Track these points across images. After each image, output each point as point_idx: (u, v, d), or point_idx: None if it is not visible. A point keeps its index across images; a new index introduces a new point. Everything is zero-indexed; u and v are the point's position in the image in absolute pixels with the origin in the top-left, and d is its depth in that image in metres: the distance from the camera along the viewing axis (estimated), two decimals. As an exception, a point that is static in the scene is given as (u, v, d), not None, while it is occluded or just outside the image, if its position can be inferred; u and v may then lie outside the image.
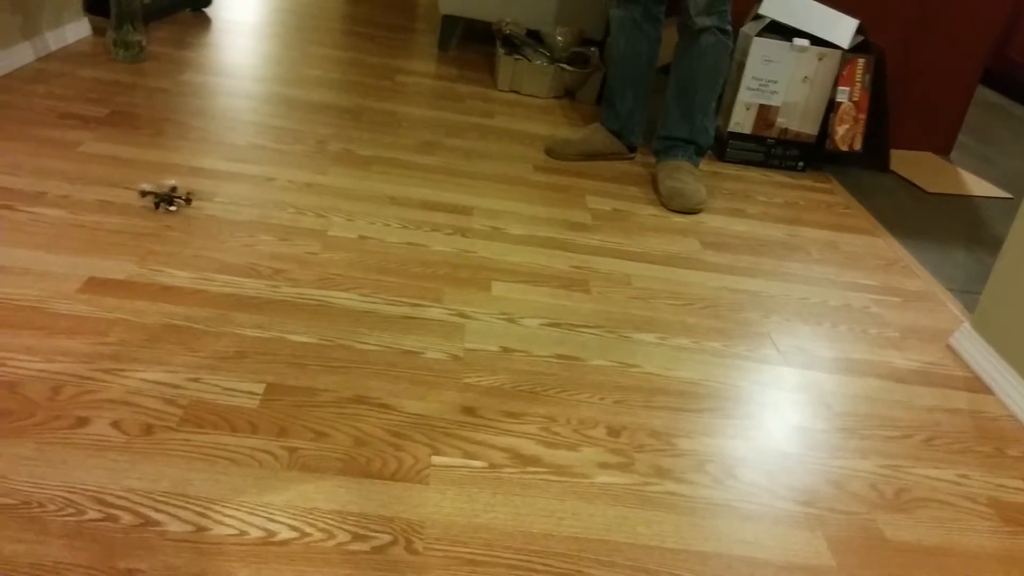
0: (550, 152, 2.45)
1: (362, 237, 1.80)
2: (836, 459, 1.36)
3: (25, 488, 1.04)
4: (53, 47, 2.57)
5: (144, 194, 1.77)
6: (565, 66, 2.97)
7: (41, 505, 1.02)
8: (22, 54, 2.40)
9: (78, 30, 2.72)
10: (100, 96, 2.30)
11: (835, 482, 1.31)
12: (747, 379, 1.54)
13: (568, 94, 3.04)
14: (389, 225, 1.88)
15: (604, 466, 1.26)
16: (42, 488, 1.05)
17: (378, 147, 2.30)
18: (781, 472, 1.31)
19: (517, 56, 2.97)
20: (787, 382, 1.55)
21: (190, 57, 2.76)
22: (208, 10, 3.36)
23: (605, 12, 3.16)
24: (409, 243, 1.81)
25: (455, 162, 2.29)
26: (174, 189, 1.80)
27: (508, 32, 3.06)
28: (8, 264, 1.49)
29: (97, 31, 2.80)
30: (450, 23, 3.33)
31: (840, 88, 2.57)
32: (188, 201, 1.78)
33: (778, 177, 2.61)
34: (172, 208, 1.75)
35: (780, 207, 2.37)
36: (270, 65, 2.82)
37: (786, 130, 2.61)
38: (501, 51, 2.97)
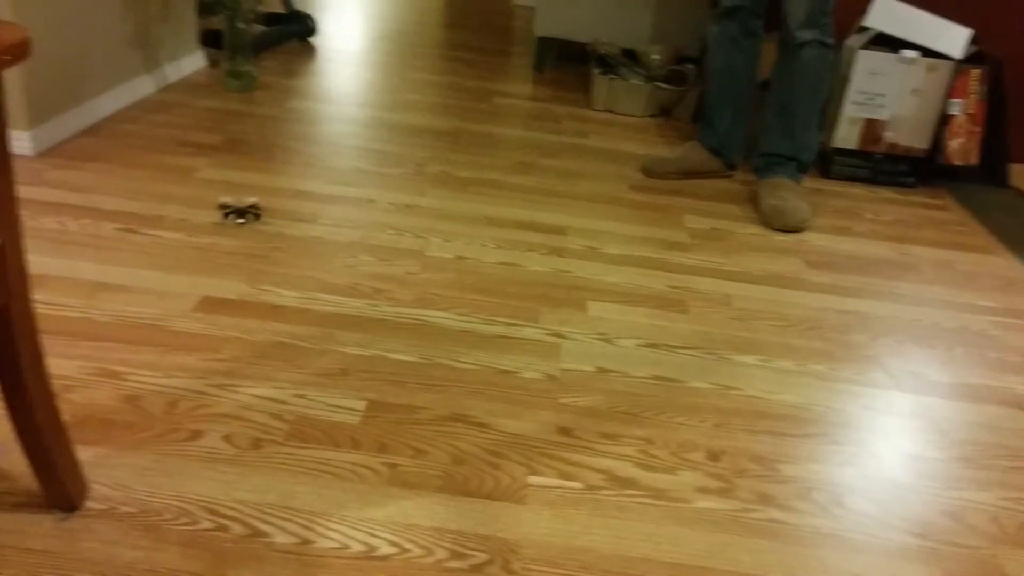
0: (646, 171, 2.43)
1: (459, 257, 1.83)
2: (953, 490, 1.29)
3: (144, 497, 1.10)
4: (172, 79, 2.72)
5: (223, 207, 1.87)
6: (661, 84, 2.95)
7: (158, 514, 1.07)
8: (144, 86, 2.56)
9: (194, 62, 2.87)
10: (215, 124, 2.42)
11: (952, 514, 1.24)
12: (855, 404, 1.48)
13: (664, 112, 3.01)
14: (486, 245, 1.90)
15: (704, 491, 1.23)
16: (159, 498, 1.10)
17: (475, 168, 2.33)
18: (893, 502, 1.25)
19: (612, 75, 2.97)
20: (898, 407, 1.49)
21: (297, 85, 2.88)
22: (314, 40, 3.49)
23: (702, 29, 3.13)
24: (505, 263, 1.83)
25: (551, 182, 2.30)
26: (253, 206, 1.89)
27: (603, 52, 3.07)
28: (131, 284, 1.58)
29: (211, 63, 2.95)
30: (545, 45, 3.36)
31: (953, 100, 2.46)
32: (257, 216, 1.87)
33: (887, 194, 2.51)
34: (241, 221, 1.84)
35: (889, 225, 2.28)
36: (372, 91, 2.91)
37: (895, 145, 2.52)
38: (596, 71, 2.98)
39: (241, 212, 1.85)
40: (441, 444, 1.26)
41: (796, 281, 1.90)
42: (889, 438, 1.40)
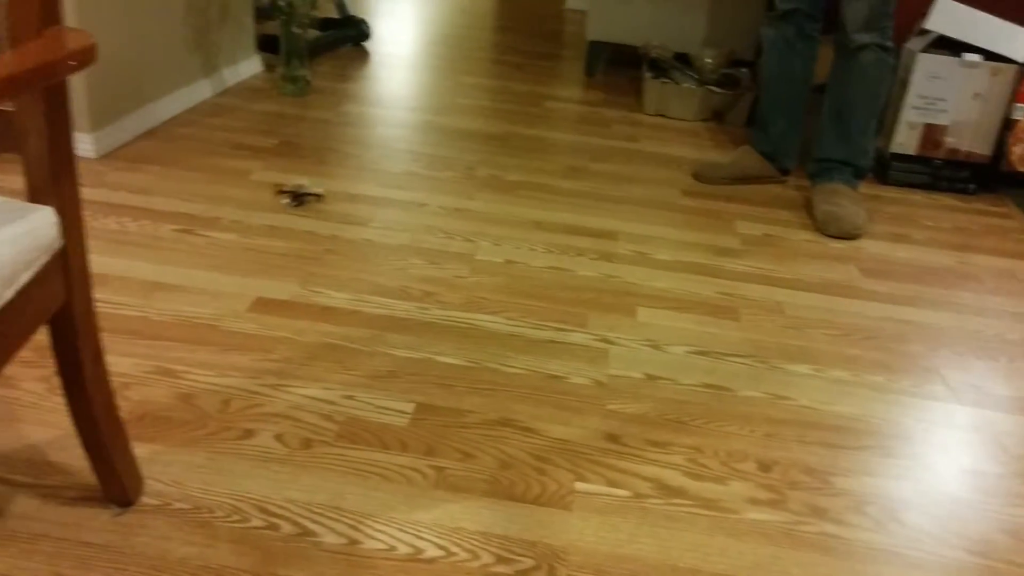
0: (698, 176, 2.41)
1: (508, 261, 1.83)
2: (1015, 507, 1.25)
3: (197, 494, 1.12)
4: (229, 83, 2.77)
5: (294, 188, 1.98)
6: (714, 88, 2.92)
7: (211, 511, 1.09)
8: (202, 90, 2.61)
9: (251, 67, 2.92)
10: (269, 127, 2.46)
11: (1013, 532, 1.20)
12: (912, 416, 1.45)
13: (716, 117, 2.98)
14: (535, 249, 1.90)
15: (754, 502, 1.21)
16: (212, 495, 1.12)
17: (525, 172, 2.33)
18: (951, 518, 1.22)
19: (664, 79, 2.94)
20: (958, 421, 1.45)
21: (350, 89, 2.91)
22: (367, 44, 3.53)
23: (756, 32, 3.09)
24: (554, 267, 1.82)
25: (601, 187, 2.29)
26: (314, 195, 1.99)
27: (655, 55, 3.04)
28: (187, 284, 1.61)
29: (267, 67, 3.00)
30: (597, 48, 3.35)
31: (1017, 105, 2.39)
32: (301, 203, 1.97)
33: (946, 200, 2.45)
34: (285, 201, 1.96)
35: (949, 232, 2.23)
36: (423, 95, 2.93)
37: (955, 150, 2.45)
38: (648, 74, 2.96)
39: (296, 196, 1.93)
40: (488, 448, 1.26)
41: (851, 289, 1.87)
42: (947, 452, 1.36)
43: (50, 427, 1.21)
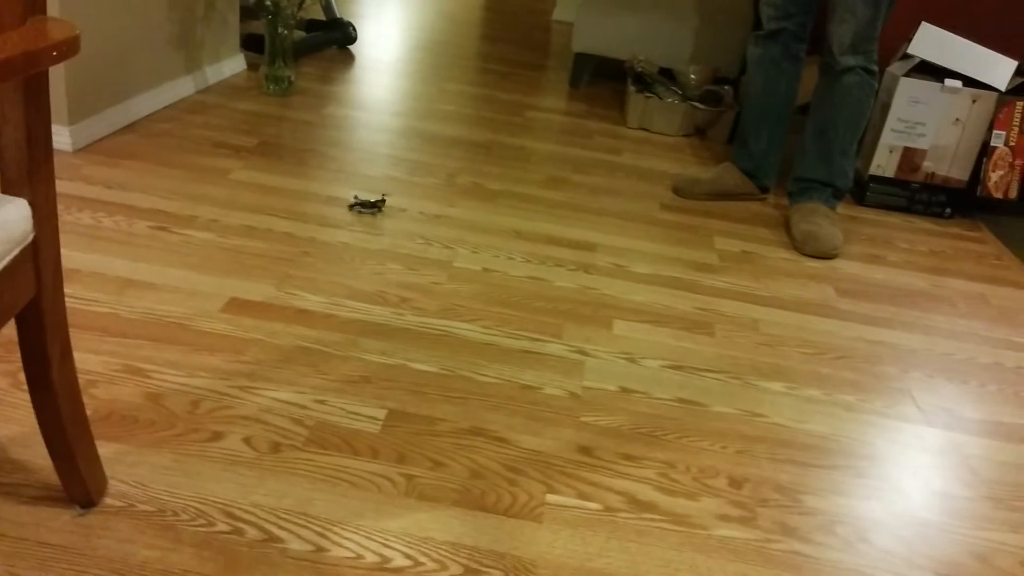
0: (678, 191, 2.42)
1: (486, 269, 1.82)
2: (982, 530, 1.26)
3: (162, 496, 1.10)
4: (211, 80, 2.75)
5: (352, 206, 2.02)
6: (697, 104, 2.93)
7: (175, 514, 1.08)
8: (184, 87, 2.59)
9: (234, 65, 2.90)
10: (251, 127, 2.44)
11: (981, 556, 1.21)
12: (883, 437, 1.45)
13: (698, 132, 3.00)
14: (513, 259, 1.89)
15: (724, 518, 1.21)
16: (177, 497, 1.10)
17: (506, 181, 2.33)
18: (919, 540, 1.22)
19: (648, 93, 2.96)
20: (928, 443, 1.46)
21: (334, 92, 2.90)
22: (353, 48, 3.52)
23: (741, 50, 3.11)
24: (532, 277, 1.82)
25: (581, 198, 2.29)
26: (381, 200, 2.04)
27: (640, 70, 3.06)
28: (160, 282, 1.59)
29: (251, 67, 2.98)
30: (582, 61, 3.36)
31: (996, 132, 2.43)
32: (378, 209, 2.02)
33: (922, 224, 2.47)
34: (361, 210, 2.01)
35: (924, 255, 2.25)
36: (407, 100, 2.92)
37: (933, 174, 2.48)
38: (632, 88, 2.97)
39: (366, 204, 2.00)
40: (459, 457, 1.25)
41: (826, 308, 1.88)
42: (917, 474, 1.37)
43: (13, 423, 1.19)
